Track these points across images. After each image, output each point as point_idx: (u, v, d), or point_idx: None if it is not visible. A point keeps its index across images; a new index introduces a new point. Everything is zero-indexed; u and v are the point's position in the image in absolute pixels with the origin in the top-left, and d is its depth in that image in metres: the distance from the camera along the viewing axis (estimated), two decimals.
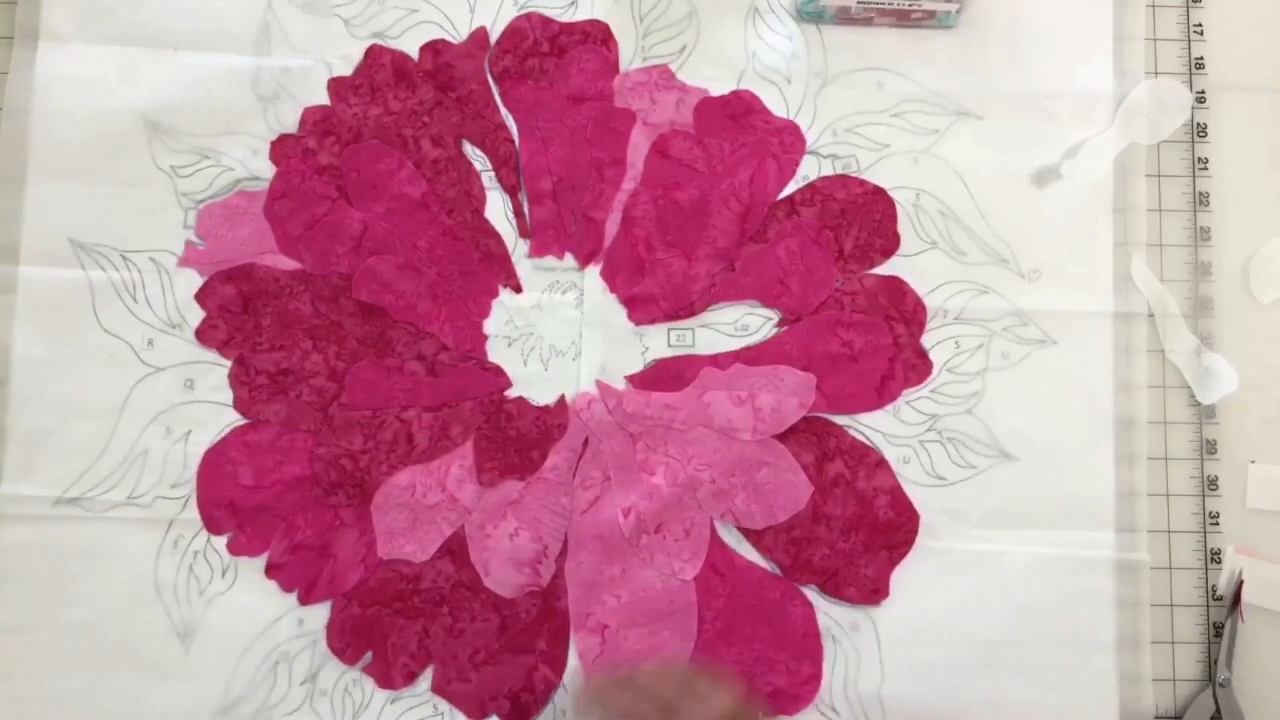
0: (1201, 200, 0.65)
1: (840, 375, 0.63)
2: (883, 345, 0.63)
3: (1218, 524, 0.63)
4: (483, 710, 0.60)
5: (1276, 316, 0.64)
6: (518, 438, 0.62)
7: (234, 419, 0.62)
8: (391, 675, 0.60)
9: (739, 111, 0.65)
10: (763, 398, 0.62)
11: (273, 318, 0.62)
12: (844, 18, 0.65)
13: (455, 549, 0.61)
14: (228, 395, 0.62)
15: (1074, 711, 0.61)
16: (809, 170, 0.65)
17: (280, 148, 0.63)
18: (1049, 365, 0.63)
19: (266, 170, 0.63)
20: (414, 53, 0.64)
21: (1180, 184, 0.65)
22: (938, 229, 0.64)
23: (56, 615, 0.60)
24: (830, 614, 0.61)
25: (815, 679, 0.61)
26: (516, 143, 0.64)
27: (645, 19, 0.65)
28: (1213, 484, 0.63)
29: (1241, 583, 0.62)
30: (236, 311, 0.62)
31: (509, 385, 0.63)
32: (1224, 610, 0.62)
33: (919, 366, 0.63)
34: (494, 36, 0.65)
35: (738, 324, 0.64)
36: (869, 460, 0.62)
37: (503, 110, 0.65)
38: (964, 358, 0.63)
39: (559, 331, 0.63)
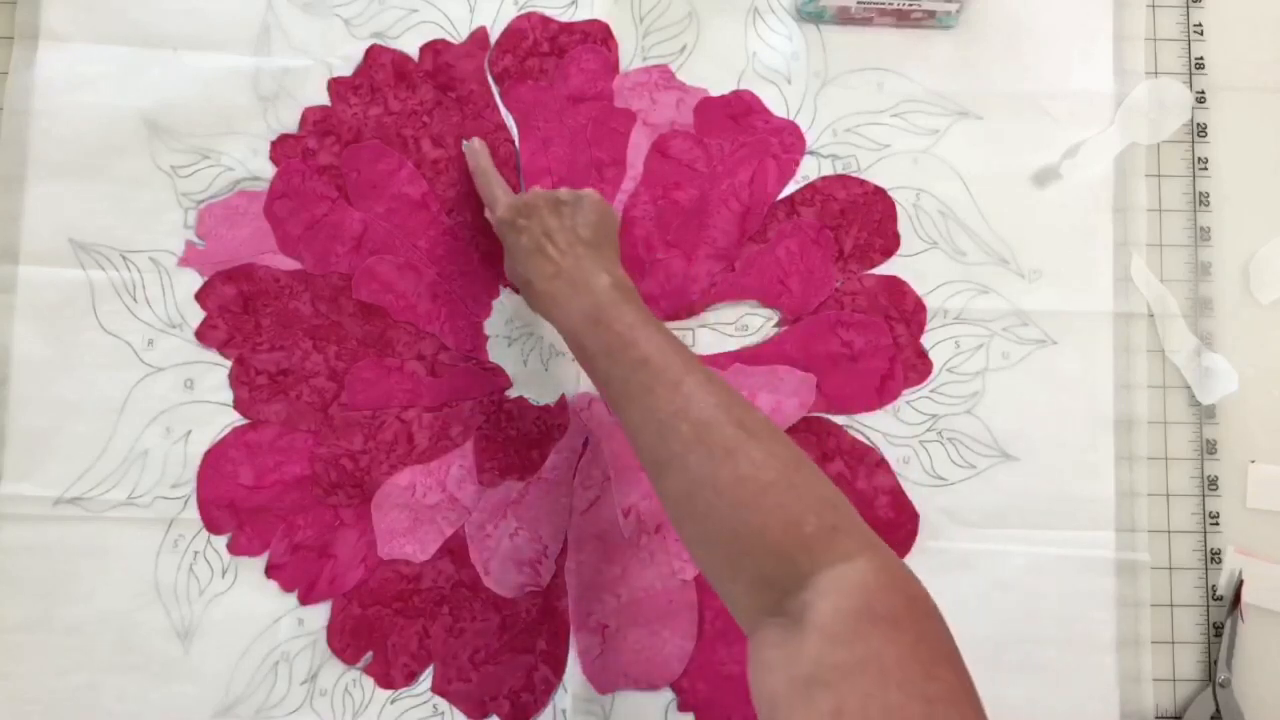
0: (1201, 200, 0.65)
1: (840, 375, 0.63)
2: (883, 345, 0.63)
3: (1218, 524, 0.63)
4: (483, 710, 0.60)
5: (1276, 316, 0.64)
6: (518, 438, 0.62)
7: (234, 419, 0.62)
8: (391, 675, 0.60)
9: (739, 111, 0.65)
10: (763, 398, 0.62)
11: (273, 318, 0.62)
12: (844, 18, 0.65)
13: (455, 549, 0.61)
14: (228, 395, 0.62)
15: (1074, 711, 0.61)
16: (809, 170, 0.65)
17: (280, 148, 0.63)
18: (1049, 365, 0.63)
19: (266, 170, 0.63)
20: (414, 53, 0.64)
21: (1180, 184, 0.65)
22: (938, 229, 0.64)
23: (56, 615, 0.60)
24: None
25: None
26: (516, 143, 0.64)
27: (645, 19, 0.65)
28: (1213, 484, 0.63)
29: (1241, 583, 0.62)
30: (236, 311, 0.62)
31: (509, 385, 0.63)
32: (1224, 610, 0.62)
33: (919, 366, 0.63)
34: (494, 36, 0.65)
35: (738, 324, 0.64)
36: (869, 460, 0.62)
37: (503, 110, 0.64)
38: (964, 358, 0.63)
39: None
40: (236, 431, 0.62)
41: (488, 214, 0.59)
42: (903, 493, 0.62)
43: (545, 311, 0.54)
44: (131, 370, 0.62)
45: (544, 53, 0.65)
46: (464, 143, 0.63)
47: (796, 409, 0.62)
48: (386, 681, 0.60)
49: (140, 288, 0.62)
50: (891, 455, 0.62)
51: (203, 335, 0.62)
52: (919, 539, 0.62)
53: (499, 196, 0.59)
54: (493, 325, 0.63)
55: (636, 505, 0.61)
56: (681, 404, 0.45)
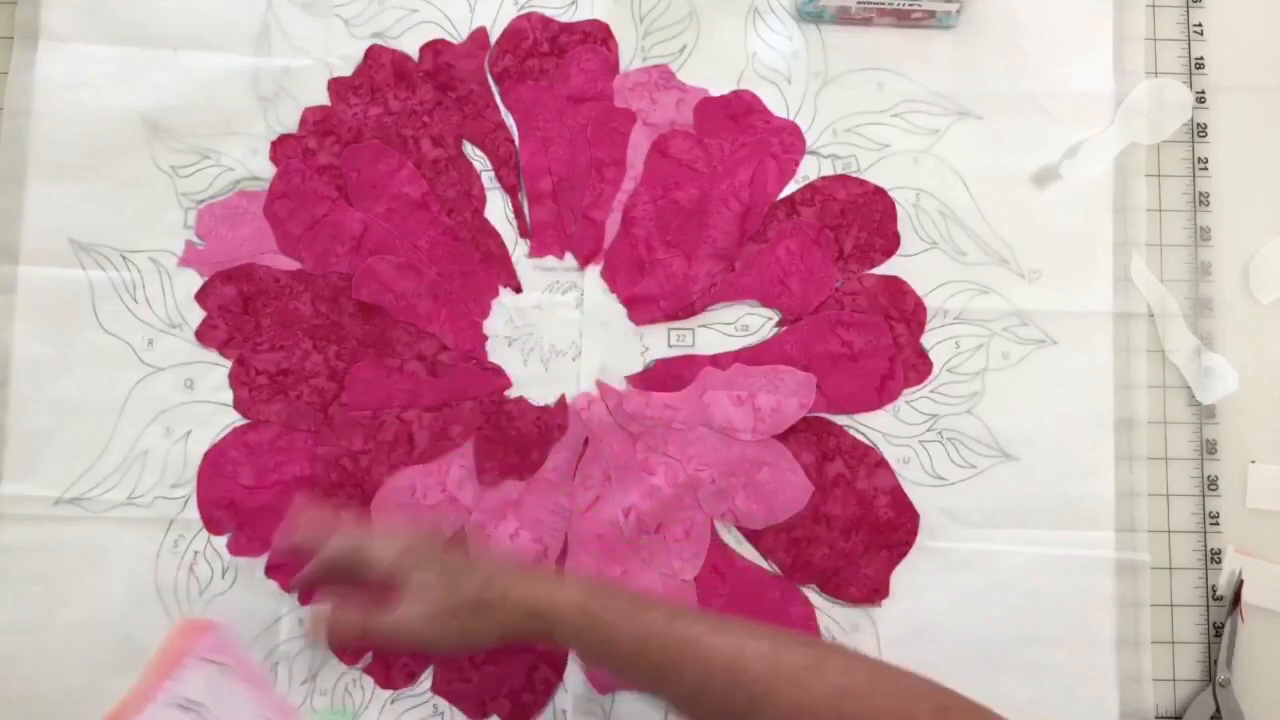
0: (1201, 200, 0.65)
1: (840, 375, 0.63)
2: (883, 345, 0.63)
3: (1218, 524, 0.63)
4: (483, 710, 0.60)
5: (1276, 316, 0.64)
6: (518, 438, 0.62)
7: (234, 419, 0.62)
8: (391, 675, 0.60)
9: (739, 111, 0.65)
10: (763, 398, 0.62)
11: (273, 318, 0.62)
12: (844, 18, 0.65)
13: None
14: (228, 395, 0.62)
15: (1074, 711, 0.61)
16: (809, 170, 0.65)
17: (280, 148, 0.63)
18: (1049, 365, 0.63)
19: (266, 170, 0.63)
20: (414, 53, 0.64)
21: (1180, 184, 0.65)
22: (938, 229, 0.64)
23: (56, 615, 0.60)
24: (830, 614, 0.61)
25: None
26: (516, 143, 0.64)
27: (645, 19, 0.65)
28: (1213, 484, 0.63)
29: (1241, 583, 0.62)
30: (236, 311, 0.62)
31: (509, 385, 0.63)
32: (1224, 610, 0.62)
33: (919, 366, 0.63)
34: (494, 36, 0.65)
35: (738, 324, 0.64)
36: (869, 460, 0.62)
37: (503, 110, 0.65)
38: (964, 358, 0.63)
39: (559, 332, 0.63)
40: (236, 431, 0.62)
41: (377, 563, 0.51)
42: (903, 493, 0.62)
43: (514, 621, 0.48)
44: (131, 370, 0.62)
45: (544, 53, 0.65)
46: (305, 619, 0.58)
47: (796, 409, 0.62)
48: (386, 681, 0.60)
49: (140, 288, 0.62)
50: (891, 455, 0.62)
51: (203, 335, 0.62)
52: (919, 539, 0.62)
53: (378, 541, 0.52)
54: (493, 325, 0.63)
55: (636, 505, 0.61)
56: (735, 646, 0.44)
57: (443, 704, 0.60)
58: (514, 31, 0.65)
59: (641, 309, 0.63)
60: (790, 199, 0.64)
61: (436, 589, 0.50)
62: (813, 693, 0.42)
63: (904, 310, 0.63)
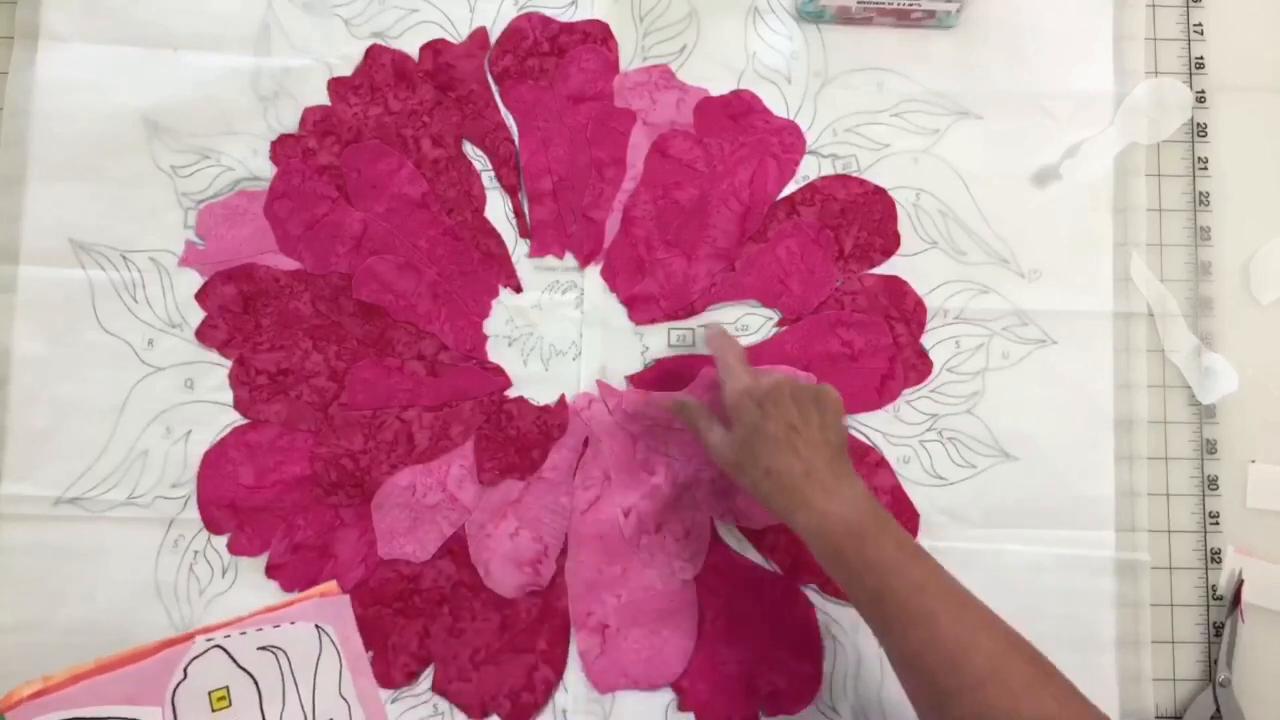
0: (1201, 200, 0.65)
1: (840, 375, 0.63)
2: (883, 345, 0.63)
3: (1218, 524, 0.63)
4: (483, 710, 0.60)
5: (1276, 316, 0.64)
6: (518, 438, 0.62)
7: (234, 419, 0.62)
8: (392, 674, 0.60)
9: (739, 111, 0.65)
10: None
11: (273, 318, 0.62)
12: (844, 18, 0.65)
13: (455, 549, 0.61)
14: (228, 395, 0.62)
15: None
16: (809, 170, 0.65)
17: (280, 148, 0.63)
18: (1049, 365, 0.63)
19: (266, 170, 0.63)
20: (414, 53, 0.64)
21: (1180, 184, 0.65)
22: (938, 229, 0.64)
23: (56, 615, 0.60)
24: (830, 614, 0.61)
25: (815, 679, 0.61)
26: (516, 143, 0.64)
27: (645, 19, 0.65)
28: (1213, 484, 0.63)
29: (1241, 583, 0.62)
30: (236, 311, 0.62)
31: (509, 385, 0.63)
32: (1224, 610, 0.62)
33: (919, 366, 0.63)
34: (494, 36, 0.65)
35: (738, 324, 0.64)
36: (869, 460, 0.62)
37: (503, 110, 0.65)
38: (964, 357, 0.63)
39: (559, 331, 0.63)
40: (236, 431, 0.62)
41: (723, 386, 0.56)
42: (903, 493, 0.62)
43: (786, 508, 0.51)
44: (131, 370, 0.62)
45: (544, 53, 0.65)
46: (707, 332, 0.61)
47: None
48: (387, 681, 0.60)
49: (140, 288, 0.62)
50: (891, 455, 0.62)
51: (203, 335, 0.62)
52: (919, 539, 0.62)
53: (736, 369, 0.56)
54: (493, 325, 0.63)
55: (636, 505, 0.61)
56: (969, 635, 0.45)
57: (443, 704, 0.60)
58: (514, 31, 0.65)
59: (641, 309, 0.63)
60: (790, 199, 0.64)
61: (753, 440, 0.53)
62: (1017, 710, 0.43)
63: (904, 310, 0.63)
